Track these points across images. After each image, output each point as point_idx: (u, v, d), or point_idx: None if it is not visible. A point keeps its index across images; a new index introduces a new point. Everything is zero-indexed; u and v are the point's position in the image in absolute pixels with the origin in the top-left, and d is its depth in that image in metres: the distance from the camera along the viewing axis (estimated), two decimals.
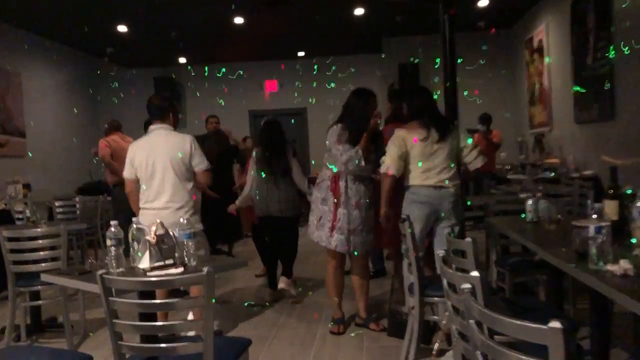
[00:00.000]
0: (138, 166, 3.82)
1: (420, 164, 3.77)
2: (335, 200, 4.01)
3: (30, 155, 8.68)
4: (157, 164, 3.77)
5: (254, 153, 5.21)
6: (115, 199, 6.61)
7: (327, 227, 4.04)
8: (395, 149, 3.78)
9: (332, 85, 10.75)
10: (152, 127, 3.90)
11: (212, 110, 7.95)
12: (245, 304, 5.08)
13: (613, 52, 5.20)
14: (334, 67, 11.00)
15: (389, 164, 3.77)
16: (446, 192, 3.77)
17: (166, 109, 3.91)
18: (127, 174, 3.89)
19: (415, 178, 3.80)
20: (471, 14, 8.69)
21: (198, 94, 11.40)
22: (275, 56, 11.28)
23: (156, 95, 4.10)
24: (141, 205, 3.83)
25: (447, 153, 3.79)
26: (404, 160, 3.80)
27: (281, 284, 5.06)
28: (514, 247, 4.42)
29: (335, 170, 4.02)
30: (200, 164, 3.86)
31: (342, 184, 4.01)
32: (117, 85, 11.23)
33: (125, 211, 4.43)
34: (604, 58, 6.32)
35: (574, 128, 7.43)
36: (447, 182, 3.77)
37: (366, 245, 4.14)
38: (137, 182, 3.86)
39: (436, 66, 6.09)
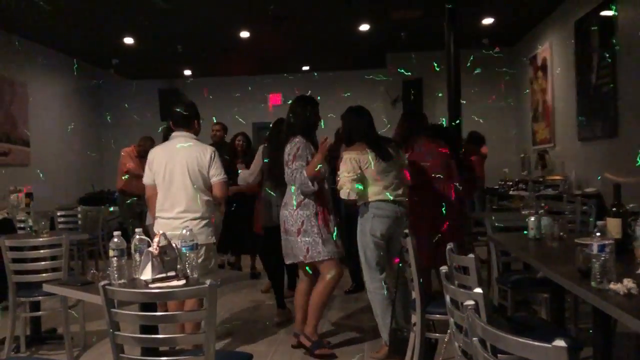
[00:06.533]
0: (156, 172, 3.76)
1: (379, 179, 3.84)
2: None
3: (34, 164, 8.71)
4: (175, 173, 3.70)
5: (260, 148, 4.98)
6: None
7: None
8: (351, 172, 3.78)
9: (335, 99, 10.80)
10: (174, 133, 3.84)
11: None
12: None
13: None
14: (337, 82, 11.04)
15: (349, 188, 3.74)
16: (403, 208, 3.93)
17: (191, 117, 3.85)
18: (146, 179, 3.84)
19: (377, 194, 3.85)
20: (475, 31, 8.74)
21: (202, 107, 11.43)
22: (279, 70, 11.34)
23: (180, 103, 3.98)
24: (157, 213, 3.76)
25: (397, 170, 3.94)
26: (361, 181, 3.80)
27: (276, 319, 4.90)
28: (515, 264, 4.40)
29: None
30: (216, 175, 3.74)
31: None
32: (122, 96, 11.27)
33: None
34: (607, 76, 6.34)
35: (576, 145, 7.43)
36: (403, 197, 3.94)
37: (312, 257, 3.93)
38: (156, 187, 3.79)
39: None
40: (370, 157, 3.85)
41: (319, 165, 3.86)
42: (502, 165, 8.98)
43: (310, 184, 3.83)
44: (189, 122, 3.84)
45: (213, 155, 3.76)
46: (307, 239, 3.91)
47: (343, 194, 3.77)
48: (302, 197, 3.94)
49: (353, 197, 3.75)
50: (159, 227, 3.61)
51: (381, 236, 3.86)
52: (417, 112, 4.52)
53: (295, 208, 3.95)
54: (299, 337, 4.09)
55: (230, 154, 6.19)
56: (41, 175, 8.15)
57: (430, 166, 4.35)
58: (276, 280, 5.05)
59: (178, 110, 3.86)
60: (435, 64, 8.76)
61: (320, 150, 3.86)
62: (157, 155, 3.81)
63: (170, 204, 3.72)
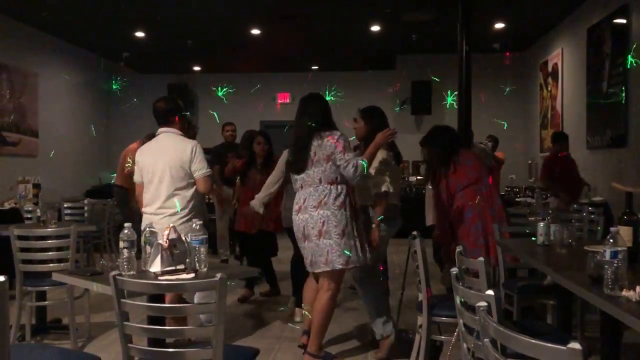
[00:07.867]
0: (142, 169, 3.77)
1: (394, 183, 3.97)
2: None
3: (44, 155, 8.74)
4: (157, 169, 3.70)
5: (285, 152, 4.54)
6: None
7: None
8: (387, 169, 3.88)
9: (344, 99, 10.81)
10: (159, 130, 3.82)
11: (225, 119, 7.98)
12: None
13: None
14: (346, 82, 11.04)
15: (387, 181, 3.85)
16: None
17: (171, 112, 3.79)
18: (136, 177, 3.85)
19: (391, 197, 3.95)
20: (487, 35, 8.73)
21: (211, 103, 11.47)
22: (288, 68, 11.36)
23: (161, 98, 3.93)
24: (143, 208, 3.78)
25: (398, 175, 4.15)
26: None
27: (297, 317, 4.76)
28: (521, 271, 4.39)
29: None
30: (199, 170, 3.69)
31: None
32: (131, 90, 11.30)
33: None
34: (618, 84, 6.32)
35: (585, 153, 7.41)
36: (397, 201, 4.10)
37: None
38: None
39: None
40: (390, 159, 3.93)
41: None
42: (509, 171, 8.96)
43: (365, 170, 3.52)
44: (168, 118, 3.78)
45: (194, 150, 3.69)
46: (351, 241, 3.54)
47: (384, 188, 3.83)
48: (344, 195, 3.57)
49: (391, 190, 3.85)
50: (144, 221, 3.64)
51: (388, 237, 3.98)
52: (448, 128, 4.54)
53: (339, 207, 3.53)
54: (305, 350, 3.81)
55: (247, 153, 5.86)
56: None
57: (475, 168, 4.35)
58: (297, 280, 4.81)
59: (157, 105, 3.81)
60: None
61: (383, 138, 3.68)
62: (144, 153, 3.82)
63: (151, 199, 3.73)
